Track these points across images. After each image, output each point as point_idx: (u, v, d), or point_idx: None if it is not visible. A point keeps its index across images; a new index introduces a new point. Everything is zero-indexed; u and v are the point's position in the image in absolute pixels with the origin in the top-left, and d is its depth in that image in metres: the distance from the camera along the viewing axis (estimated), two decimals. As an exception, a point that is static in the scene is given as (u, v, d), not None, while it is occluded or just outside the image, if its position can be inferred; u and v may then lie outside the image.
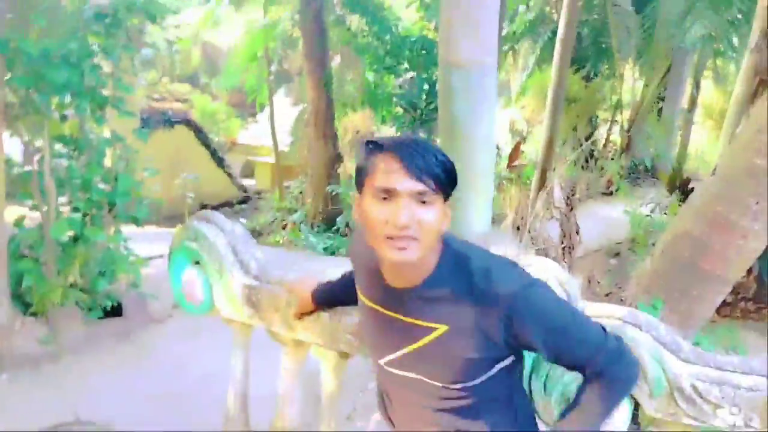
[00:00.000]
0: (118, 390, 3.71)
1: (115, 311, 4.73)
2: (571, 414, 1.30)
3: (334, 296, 1.81)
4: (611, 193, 10.02)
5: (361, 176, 1.22)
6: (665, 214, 6.28)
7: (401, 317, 1.29)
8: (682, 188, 6.44)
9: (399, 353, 1.31)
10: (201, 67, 19.22)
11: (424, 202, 1.16)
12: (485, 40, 3.22)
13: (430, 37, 8.00)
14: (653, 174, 11.21)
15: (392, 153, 1.17)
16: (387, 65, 8.17)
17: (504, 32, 9.74)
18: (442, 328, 1.24)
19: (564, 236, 4.57)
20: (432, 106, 7.60)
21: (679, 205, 5.87)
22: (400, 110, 8.24)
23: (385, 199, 1.17)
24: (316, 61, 7.98)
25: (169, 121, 9.47)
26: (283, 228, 8.16)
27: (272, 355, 2.23)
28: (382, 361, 1.36)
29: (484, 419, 1.32)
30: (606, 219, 8.20)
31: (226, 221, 2.28)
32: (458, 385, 1.28)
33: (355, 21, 8.62)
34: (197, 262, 2.27)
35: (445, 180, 1.18)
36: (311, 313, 1.91)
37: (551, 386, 1.57)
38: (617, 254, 6.62)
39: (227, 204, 10.20)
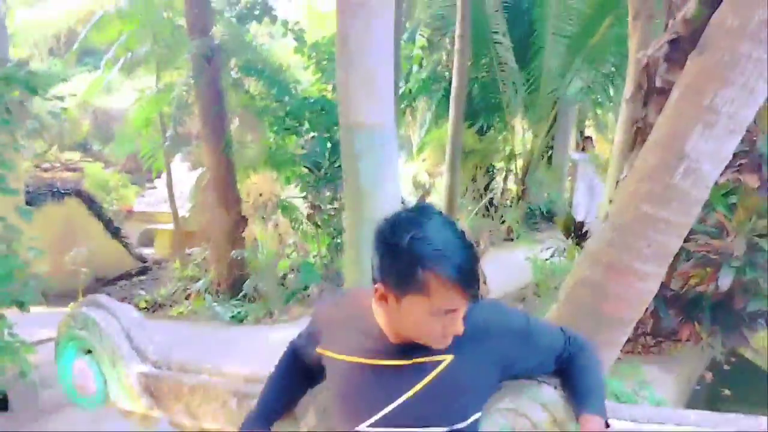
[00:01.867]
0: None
1: (1, 405, 4.29)
2: (585, 395, 1.43)
3: (279, 402, 1.68)
4: (512, 240, 10.40)
5: (401, 284, 1.24)
6: (563, 257, 6.54)
7: (405, 361, 1.34)
8: (576, 232, 6.77)
9: (395, 404, 1.33)
10: (92, 134, 18.47)
11: None
12: (383, 101, 3.27)
13: (329, 98, 8.10)
14: (550, 219, 11.77)
15: (452, 279, 1.21)
16: (287, 126, 8.17)
17: (401, 91, 10.07)
18: (448, 358, 1.34)
19: (472, 288, 4.63)
20: (336, 165, 7.65)
21: (576, 249, 6.15)
22: (304, 170, 8.23)
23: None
24: (214, 125, 7.87)
25: (58, 193, 8.95)
26: (187, 298, 7.81)
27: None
28: (365, 425, 1.34)
29: None
30: (509, 265, 8.46)
31: (118, 305, 2.13)
32: (447, 427, 1.33)
33: (252, 84, 8.61)
34: (89, 351, 2.11)
35: None
36: None
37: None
38: (523, 299, 6.81)
39: (125, 276, 9.66)
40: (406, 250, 1.21)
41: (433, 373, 1.33)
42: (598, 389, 1.43)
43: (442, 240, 1.22)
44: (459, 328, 1.27)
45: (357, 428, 1.37)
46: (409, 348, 1.35)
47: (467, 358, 1.35)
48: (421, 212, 1.28)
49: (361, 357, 1.39)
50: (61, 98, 4.45)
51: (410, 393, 1.34)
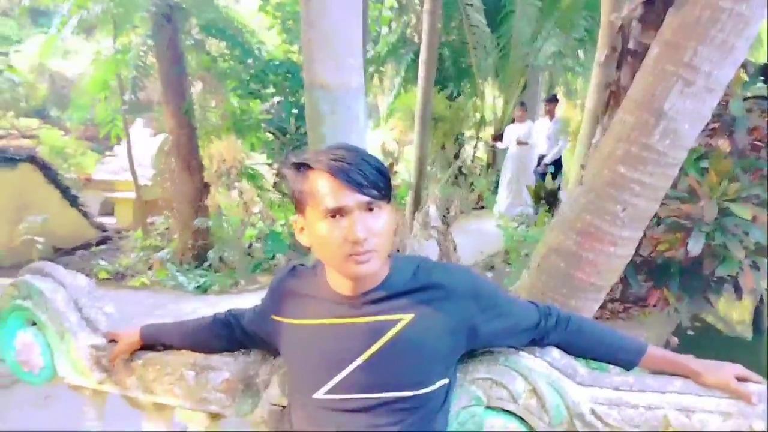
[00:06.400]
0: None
1: (-54, 383, 4.08)
2: (619, 343, 1.44)
3: (175, 334, 1.75)
4: (482, 208, 10.37)
5: (301, 201, 1.25)
6: (535, 224, 6.51)
7: (362, 319, 1.28)
8: (546, 199, 6.74)
9: (352, 366, 1.26)
10: (49, 100, 17.81)
11: (371, 210, 1.20)
12: (349, 62, 3.12)
13: (294, 60, 7.84)
14: (518, 186, 11.73)
15: (327, 172, 1.19)
16: (251, 90, 7.89)
17: (369, 55, 9.82)
18: (407, 317, 1.26)
19: (442, 255, 4.56)
20: (302, 130, 7.44)
21: (546, 216, 6.11)
22: (268, 136, 7.99)
23: (334, 217, 1.19)
24: (175, 88, 7.56)
25: (11, 160, 8.57)
26: (149, 268, 7.59)
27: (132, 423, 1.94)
28: (322, 391, 1.28)
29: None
30: (479, 233, 8.44)
31: (66, 273, 1.97)
32: (411, 392, 1.26)
33: (214, 45, 8.29)
34: (34, 323, 1.95)
35: (384, 185, 1.22)
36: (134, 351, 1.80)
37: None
38: (492, 267, 6.78)
39: (84, 246, 9.36)
40: (300, 164, 1.25)
41: (391, 333, 1.26)
42: (615, 332, 1.45)
43: (328, 148, 1.25)
44: (355, 232, 1.17)
45: (313, 396, 1.29)
46: (362, 303, 1.29)
47: (427, 318, 1.27)
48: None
49: (316, 318, 1.33)
50: (4, 54, 4.17)
51: (367, 355, 1.26)
